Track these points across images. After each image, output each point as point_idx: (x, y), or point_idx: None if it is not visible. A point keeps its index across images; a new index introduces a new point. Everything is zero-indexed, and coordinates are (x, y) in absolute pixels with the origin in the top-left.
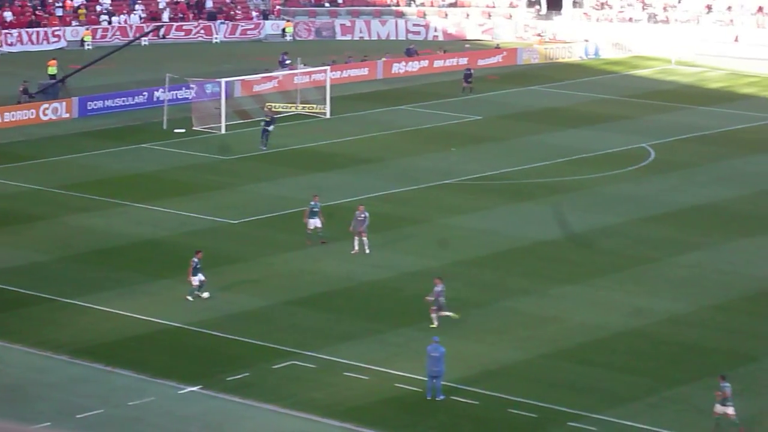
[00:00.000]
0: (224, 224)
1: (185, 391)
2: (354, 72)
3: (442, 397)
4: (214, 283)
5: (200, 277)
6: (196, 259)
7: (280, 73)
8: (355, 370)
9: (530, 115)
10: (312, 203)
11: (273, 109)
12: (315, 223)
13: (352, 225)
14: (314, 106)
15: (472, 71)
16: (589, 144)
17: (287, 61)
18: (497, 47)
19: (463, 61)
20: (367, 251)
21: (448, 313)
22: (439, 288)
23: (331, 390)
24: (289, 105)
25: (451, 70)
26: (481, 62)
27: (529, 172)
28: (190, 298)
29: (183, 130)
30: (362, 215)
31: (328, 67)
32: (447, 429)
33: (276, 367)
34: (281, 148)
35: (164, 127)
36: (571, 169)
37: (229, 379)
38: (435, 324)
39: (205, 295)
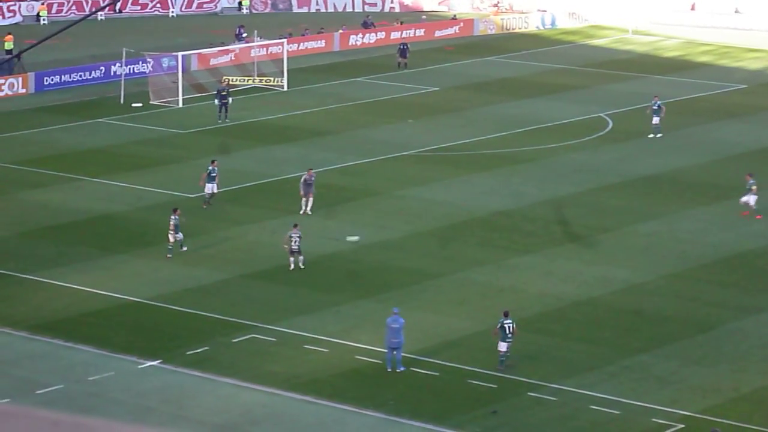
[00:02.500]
0: (181, 198)
1: (145, 365)
2: (311, 44)
3: (402, 369)
4: (173, 257)
5: (179, 235)
6: (175, 217)
7: (236, 47)
8: (315, 342)
9: (487, 86)
10: (210, 168)
11: (230, 83)
12: (212, 188)
13: (302, 188)
14: (271, 79)
15: (408, 46)
16: (547, 114)
17: (244, 35)
18: (454, 18)
19: (420, 32)
20: (309, 213)
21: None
22: (295, 234)
23: (291, 363)
24: (246, 78)
25: (408, 41)
26: (437, 33)
27: (486, 143)
28: (170, 256)
29: (140, 105)
30: (311, 179)
31: (284, 40)
32: (407, 400)
33: (235, 340)
34: (238, 121)
35: (121, 101)
36: (528, 140)
37: (188, 353)
38: (291, 267)
39: (184, 248)
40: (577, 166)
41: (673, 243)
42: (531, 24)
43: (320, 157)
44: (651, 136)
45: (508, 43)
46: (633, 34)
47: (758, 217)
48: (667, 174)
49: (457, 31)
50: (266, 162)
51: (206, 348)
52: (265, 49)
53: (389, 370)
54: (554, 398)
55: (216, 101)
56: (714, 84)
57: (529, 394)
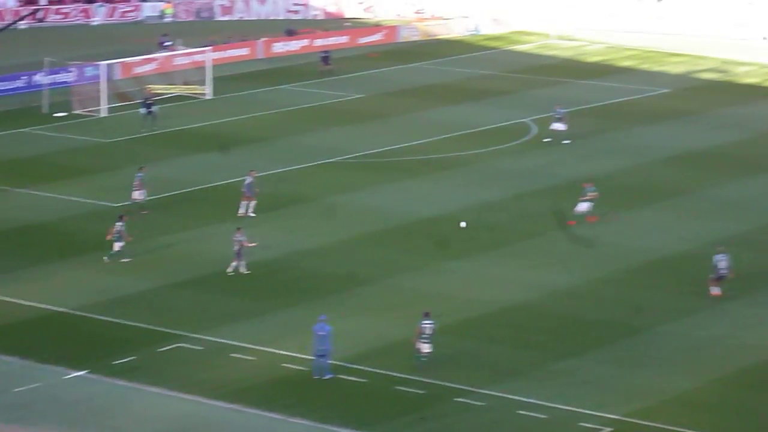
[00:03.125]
0: (106, 207)
1: (72, 376)
2: (235, 52)
3: (329, 376)
4: (99, 267)
5: (121, 243)
6: (120, 224)
7: (160, 55)
8: (242, 351)
9: (412, 92)
10: (138, 174)
11: (153, 91)
12: (141, 194)
13: (245, 190)
14: (195, 87)
15: (329, 53)
16: (472, 120)
17: (167, 43)
18: (377, 25)
19: (344, 39)
20: (252, 214)
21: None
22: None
23: (218, 371)
24: (171, 86)
25: (331, 48)
26: (361, 40)
27: (413, 149)
28: (106, 258)
29: (64, 114)
30: (250, 179)
31: (208, 48)
32: (335, 408)
33: (162, 349)
34: (163, 129)
35: (44, 111)
36: (454, 146)
37: (115, 363)
38: (230, 271)
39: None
40: (502, 172)
41: (600, 247)
42: (455, 30)
43: (248, 164)
44: (565, 142)
45: (433, 49)
46: (556, 39)
47: (570, 223)
48: (591, 178)
49: (381, 38)
50: (191, 170)
51: (133, 358)
52: (188, 57)
53: (316, 377)
54: (482, 403)
55: (142, 110)
56: (637, 88)
57: (456, 399)
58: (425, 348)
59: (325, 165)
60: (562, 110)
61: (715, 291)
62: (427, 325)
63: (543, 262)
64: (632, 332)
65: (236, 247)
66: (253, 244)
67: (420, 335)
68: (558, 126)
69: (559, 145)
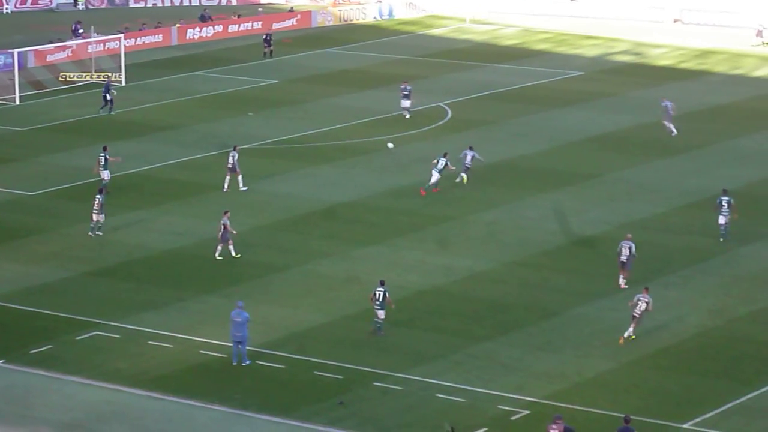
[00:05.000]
0: (21, 196)
1: None
2: (148, 39)
3: (247, 362)
4: (14, 256)
5: (101, 216)
6: (99, 197)
7: (73, 42)
8: (159, 338)
9: (326, 78)
10: (102, 155)
11: (67, 79)
12: (107, 174)
13: (227, 164)
14: (109, 74)
15: (271, 35)
16: (386, 105)
17: (80, 30)
18: (291, 10)
19: (258, 25)
20: (243, 188)
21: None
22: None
23: (136, 359)
24: (84, 74)
25: (245, 34)
26: (275, 26)
27: (327, 135)
28: (91, 234)
29: None
30: (233, 157)
31: (121, 35)
32: (253, 394)
33: (79, 338)
34: (77, 117)
35: None
36: (368, 131)
37: (32, 352)
38: (217, 254)
39: (99, 233)
40: (417, 156)
41: (515, 230)
42: (369, 15)
43: (162, 151)
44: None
45: (347, 34)
46: (471, 23)
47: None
48: (507, 162)
49: (294, 23)
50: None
51: (50, 346)
52: (102, 44)
53: (235, 363)
54: (400, 387)
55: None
56: (552, 71)
57: (375, 384)
58: (380, 314)
59: (239, 151)
60: (409, 87)
61: (622, 281)
62: (379, 291)
63: (458, 246)
64: (549, 315)
65: (220, 231)
66: (234, 232)
67: (373, 302)
68: (406, 103)
69: (477, 129)
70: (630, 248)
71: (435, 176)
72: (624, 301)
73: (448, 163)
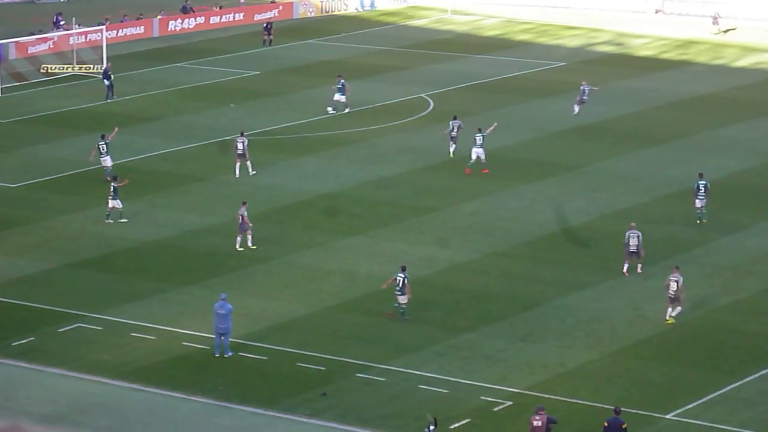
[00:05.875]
0: (2, 188)
1: None
2: (130, 30)
3: (230, 354)
4: None
5: (117, 202)
6: (113, 185)
7: (54, 34)
8: (142, 330)
9: (308, 69)
10: (101, 143)
11: (49, 71)
12: (107, 161)
13: (235, 153)
14: (91, 66)
15: (272, 23)
16: (368, 96)
17: (62, 22)
18: (272, 2)
19: (239, 16)
20: (252, 172)
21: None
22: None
23: (119, 351)
24: (66, 66)
25: (227, 26)
26: (257, 17)
27: (309, 126)
28: (111, 221)
29: None
30: (243, 143)
31: (103, 27)
32: (236, 386)
33: (61, 330)
34: (60, 109)
35: None
36: (351, 122)
37: (14, 344)
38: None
39: (123, 220)
40: (400, 147)
41: (497, 221)
42: (350, 6)
43: (144, 143)
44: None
45: (328, 25)
46: (452, 14)
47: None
48: (489, 153)
49: (276, 15)
50: (87, 151)
51: (32, 338)
52: (83, 36)
53: (217, 355)
54: (383, 379)
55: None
56: (534, 62)
57: (357, 375)
58: (401, 299)
59: (221, 143)
60: (343, 80)
61: (625, 269)
62: (400, 277)
63: (440, 237)
64: (532, 306)
65: (238, 222)
66: (250, 224)
67: (394, 287)
68: (339, 97)
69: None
70: (638, 237)
71: (476, 153)
72: (606, 292)
73: (461, 125)
